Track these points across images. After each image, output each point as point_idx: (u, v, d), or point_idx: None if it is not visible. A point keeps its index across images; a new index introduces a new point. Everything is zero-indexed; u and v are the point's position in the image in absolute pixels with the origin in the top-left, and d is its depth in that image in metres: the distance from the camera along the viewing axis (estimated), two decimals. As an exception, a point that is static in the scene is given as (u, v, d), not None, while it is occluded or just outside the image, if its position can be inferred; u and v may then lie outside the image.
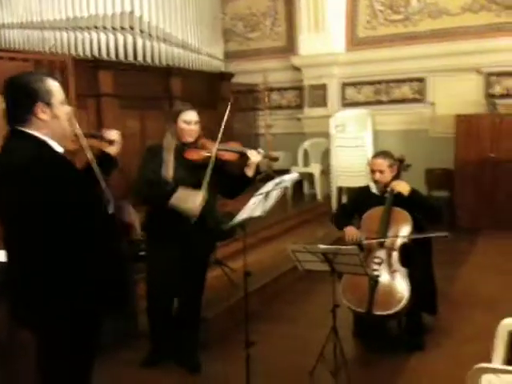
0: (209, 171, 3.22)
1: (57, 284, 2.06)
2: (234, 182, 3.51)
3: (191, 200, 3.19)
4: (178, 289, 3.56)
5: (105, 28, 6.25)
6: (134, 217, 2.40)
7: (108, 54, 6.28)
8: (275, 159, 3.61)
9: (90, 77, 5.96)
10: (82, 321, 2.13)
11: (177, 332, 3.60)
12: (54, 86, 2.16)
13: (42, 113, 2.09)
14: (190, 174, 3.31)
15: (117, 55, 6.34)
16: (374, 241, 3.70)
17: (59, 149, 2.17)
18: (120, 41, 6.35)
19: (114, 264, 2.19)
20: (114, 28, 6.31)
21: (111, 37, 6.28)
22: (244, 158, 3.43)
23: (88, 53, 6.16)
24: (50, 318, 2.10)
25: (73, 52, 6.04)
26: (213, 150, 3.29)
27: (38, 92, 2.09)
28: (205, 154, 3.32)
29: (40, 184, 1.99)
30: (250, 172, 3.42)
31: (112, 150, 2.62)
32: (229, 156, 3.40)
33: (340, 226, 3.99)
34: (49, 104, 2.11)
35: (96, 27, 6.20)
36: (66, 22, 6.04)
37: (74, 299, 2.07)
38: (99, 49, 6.22)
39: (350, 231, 3.86)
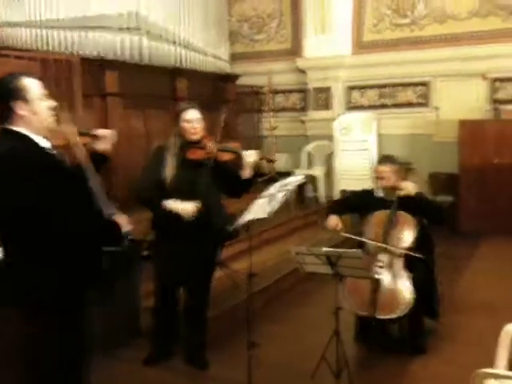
0: (205, 171, 3.28)
1: (31, 271, 2.19)
2: (234, 183, 3.54)
3: (184, 204, 3.28)
4: (186, 283, 3.58)
5: (111, 28, 6.27)
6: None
7: (114, 53, 6.30)
8: (272, 161, 3.61)
9: (96, 76, 5.97)
10: (67, 307, 2.25)
11: (185, 328, 3.62)
12: (28, 82, 2.26)
13: (21, 110, 2.21)
14: (189, 173, 3.37)
15: (123, 55, 6.36)
16: (369, 242, 3.71)
17: (45, 143, 2.27)
18: (126, 41, 6.36)
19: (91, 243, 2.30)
20: (120, 28, 6.32)
21: (117, 37, 6.30)
22: (241, 158, 3.47)
23: (94, 52, 6.16)
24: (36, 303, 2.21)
25: (79, 51, 6.05)
26: (213, 149, 3.34)
27: (14, 90, 2.21)
28: (204, 153, 3.37)
29: (10, 177, 2.12)
30: (244, 173, 3.44)
31: (100, 145, 2.66)
32: (226, 156, 3.45)
33: (329, 211, 3.98)
34: (26, 100, 2.22)
35: (103, 27, 6.21)
36: (72, 21, 6.05)
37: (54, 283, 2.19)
38: (106, 49, 6.23)
39: (332, 220, 3.85)
